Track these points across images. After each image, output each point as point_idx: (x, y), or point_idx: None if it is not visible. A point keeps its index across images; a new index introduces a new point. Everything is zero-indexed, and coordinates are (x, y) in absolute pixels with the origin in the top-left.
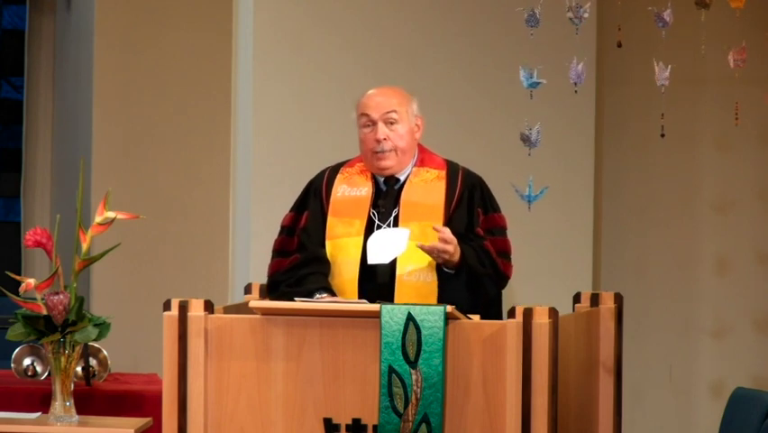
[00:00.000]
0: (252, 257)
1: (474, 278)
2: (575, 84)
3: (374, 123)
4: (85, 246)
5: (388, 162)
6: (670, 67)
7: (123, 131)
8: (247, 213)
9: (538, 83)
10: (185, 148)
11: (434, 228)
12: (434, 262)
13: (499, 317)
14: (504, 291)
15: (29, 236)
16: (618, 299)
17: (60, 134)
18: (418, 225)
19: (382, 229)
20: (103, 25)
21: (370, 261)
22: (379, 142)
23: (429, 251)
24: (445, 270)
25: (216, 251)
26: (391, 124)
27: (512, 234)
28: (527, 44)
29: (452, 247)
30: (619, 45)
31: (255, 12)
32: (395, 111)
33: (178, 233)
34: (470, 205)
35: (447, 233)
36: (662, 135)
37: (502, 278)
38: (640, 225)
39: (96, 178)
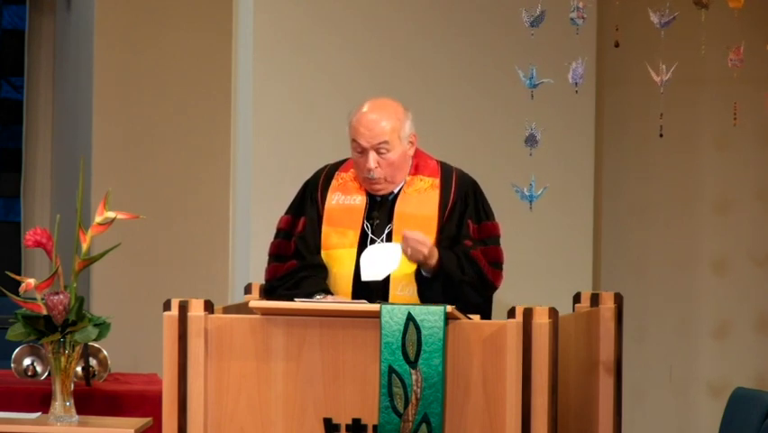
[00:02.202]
0: (252, 257)
1: (452, 284)
2: (575, 84)
3: (364, 150)
4: (85, 246)
5: (379, 187)
6: (664, 66)
7: (123, 131)
8: (247, 213)
9: (541, 82)
10: (185, 148)
11: (404, 234)
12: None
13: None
14: (504, 291)
15: (29, 236)
16: (618, 299)
17: (60, 134)
18: None
19: (375, 245)
20: (103, 25)
21: (364, 278)
22: (369, 170)
23: (406, 243)
24: (423, 273)
25: (216, 251)
26: (382, 153)
27: (512, 235)
28: (527, 44)
29: (426, 249)
30: (617, 45)
31: (255, 12)
32: (386, 141)
33: (178, 233)
34: (462, 216)
35: (417, 234)
36: (661, 135)
37: (488, 287)
38: (640, 225)
39: (96, 178)
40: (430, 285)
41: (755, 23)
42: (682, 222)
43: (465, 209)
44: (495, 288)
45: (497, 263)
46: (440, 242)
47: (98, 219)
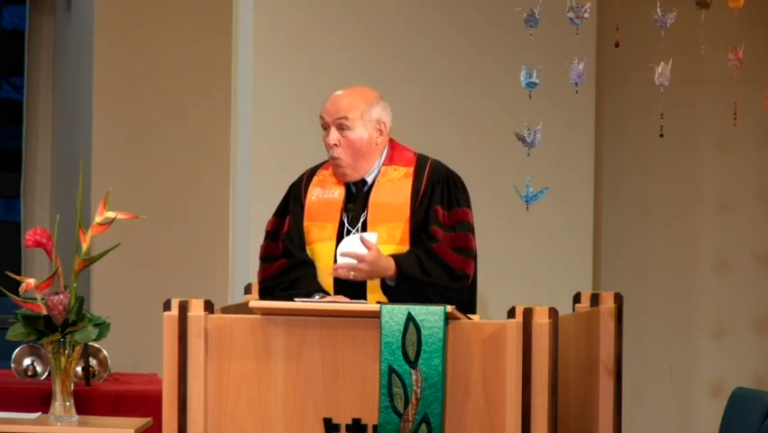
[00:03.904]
0: (252, 257)
1: (416, 287)
2: (575, 84)
3: (327, 126)
4: (85, 246)
5: (343, 170)
6: (670, 62)
7: (123, 131)
8: (247, 213)
9: (535, 83)
10: (185, 148)
11: (333, 267)
12: None
13: (472, 307)
14: (505, 291)
15: (29, 236)
16: (618, 299)
17: (60, 134)
18: (386, 228)
19: (351, 235)
20: (103, 25)
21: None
22: (330, 147)
23: (344, 276)
24: (387, 282)
25: (216, 251)
26: (342, 129)
27: (512, 235)
28: (527, 44)
29: (366, 265)
30: (617, 45)
31: (255, 12)
32: (345, 117)
33: (178, 233)
34: (430, 202)
35: (346, 260)
36: (661, 135)
37: (458, 277)
38: (640, 225)
39: (96, 178)
40: (395, 293)
41: (755, 23)
42: (682, 222)
43: (433, 197)
44: (466, 276)
45: (466, 250)
46: (411, 230)
47: (98, 219)
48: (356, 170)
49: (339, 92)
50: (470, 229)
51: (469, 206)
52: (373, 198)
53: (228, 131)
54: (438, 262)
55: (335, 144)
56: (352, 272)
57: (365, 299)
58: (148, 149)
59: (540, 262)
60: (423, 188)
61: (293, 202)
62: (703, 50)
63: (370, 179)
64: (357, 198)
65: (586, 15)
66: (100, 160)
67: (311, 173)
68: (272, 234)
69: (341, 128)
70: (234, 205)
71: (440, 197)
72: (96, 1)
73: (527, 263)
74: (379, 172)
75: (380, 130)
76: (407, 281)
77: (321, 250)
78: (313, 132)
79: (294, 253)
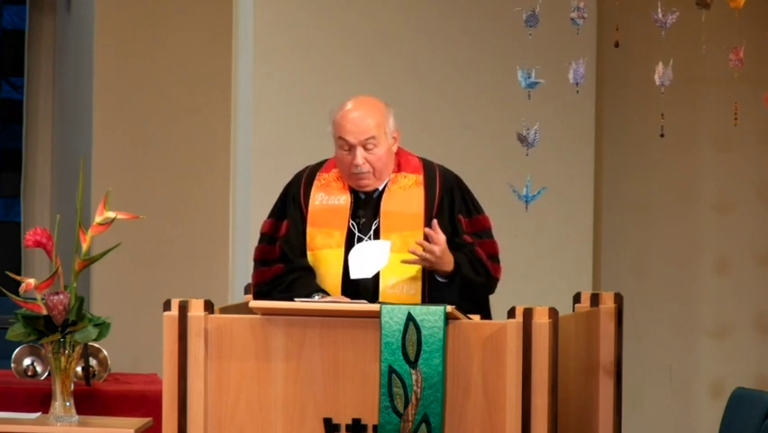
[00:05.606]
0: (252, 257)
1: (467, 286)
2: (575, 84)
3: (352, 147)
4: (85, 246)
5: (367, 182)
6: (671, 62)
7: (123, 131)
8: (247, 213)
9: (537, 83)
10: (185, 148)
11: (426, 231)
12: (418, 275)
13: (487, 311)
14: (504, 291)
15: (29, 236)
16: (618, 299)
17: (60, 134)
18: (399, 236)
19: (363, 242)
20: (103, 25)
21: (353, 276)
22: (357, 166)
23: (415, 260)
24: (438, 279)
25: (216, 251)
26: (370, 148)
27: (513, 235)
28: (527, 44)
29: (439, 249)
30: (617, 45)
31: (255, 12)
32: (373, 137)
33: (178, 233)
34: (451, 211)
35: (436, 233)
36: (662, 135)
37: (493, 281)
38: (640, 225)
39: (96, 178)
40: (446, 290)
41: (756, 23)
42: (682, 222)
43: (453, 205)
44: (497, 281)
45: (494, 256)
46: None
47: (98, 219)
48: (379, 180)
49: (356, 111)
50: (492, 235)
51: (483, 210)
52: (385, 205)
53: (228, 131)
54: (481, 263)
55: (364, 162)
56: (426, 253)
57: (373, 301)
58: (148, 149)
59: (540, 262)
60: (437, 197)
61: (291, 205)
62: (704, 50)
63: (381, 187)
64: (367, 206)
65: (585, 15)
66: (100, 160)
67: (310, 175)
68: (269, 237)
69: (367, 147)
70: (234, 205)
71: (459, 206)
72: (96, 1)
73: (527, 263)
74: (388, 179)
75: (395, 138)
76: (456, 279)
77: (327, 257)
78: (313, 132)
79: (291, 258)
